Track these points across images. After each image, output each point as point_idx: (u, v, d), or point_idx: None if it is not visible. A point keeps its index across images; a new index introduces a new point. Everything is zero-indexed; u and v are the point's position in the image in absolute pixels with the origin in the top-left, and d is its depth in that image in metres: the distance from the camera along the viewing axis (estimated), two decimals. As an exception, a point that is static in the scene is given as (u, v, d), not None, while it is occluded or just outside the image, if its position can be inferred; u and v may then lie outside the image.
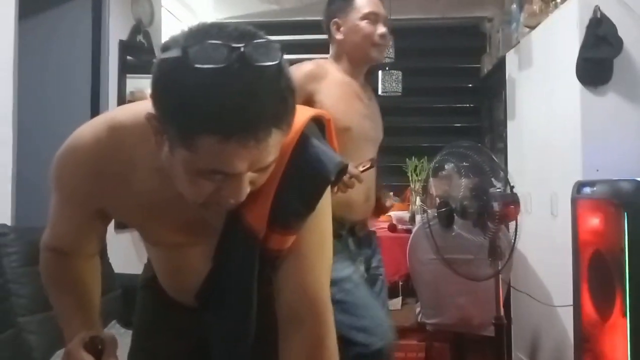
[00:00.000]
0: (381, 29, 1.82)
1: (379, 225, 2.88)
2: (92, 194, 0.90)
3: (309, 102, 1.69)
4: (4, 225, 2.05)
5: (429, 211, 2.31)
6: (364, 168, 1.71)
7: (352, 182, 1.64)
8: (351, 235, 1.82)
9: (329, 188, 0.88)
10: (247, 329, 0.90)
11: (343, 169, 0.89)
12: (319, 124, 0.90)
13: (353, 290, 1.68)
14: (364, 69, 1.91)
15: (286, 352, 0.86)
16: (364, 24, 1.81)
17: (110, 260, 2.45)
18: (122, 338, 2.23)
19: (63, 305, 1.02)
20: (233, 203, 0.76)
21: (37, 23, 2.85)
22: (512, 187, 2.04)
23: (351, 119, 1.75)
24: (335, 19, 1.86)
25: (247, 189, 0.75)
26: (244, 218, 0.83)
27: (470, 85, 4.59)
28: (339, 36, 1.85)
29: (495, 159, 2.11)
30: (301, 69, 1.75)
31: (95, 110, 2.91)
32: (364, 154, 1.78)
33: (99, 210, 0.94)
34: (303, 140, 0.83)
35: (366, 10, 1.81)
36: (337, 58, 1.89)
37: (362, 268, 1.85)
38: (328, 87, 1.75)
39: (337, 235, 1.57)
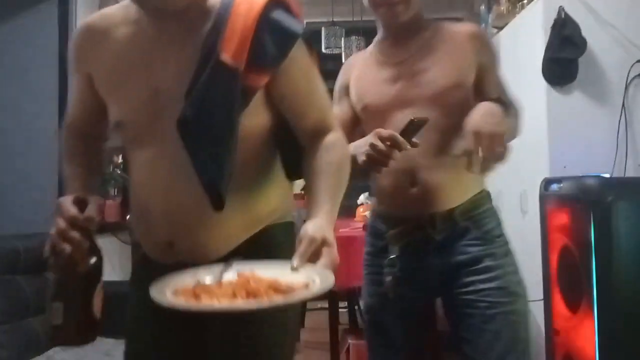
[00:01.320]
0: None
1: (354, 226, 2.88)
2: (82, 59, 1.11)
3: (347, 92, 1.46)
4: (-30, 234, 2.01)
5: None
6: (405, 127, 1.18)
7: (386, 149, 1.17)
8: (397, 241, 1.35)
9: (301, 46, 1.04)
10: (230, 160, 0.99)
11: (308, 38, 1.06)
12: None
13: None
14: (400, 30, 1.43)
15: (319, 153, 1.05)
16: None
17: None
18: (94, 346, 2.21)
19: (68, 174, 1.18)
20: None
21: (1, 29, 2.79)
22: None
23: (365, 94, 1.39)
24: None
25: None
26: (221, 56, 0.97)
27: (441, 85, 4.63)
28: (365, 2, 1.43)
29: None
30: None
31: (63, 114, 2.86)
32: (394, 126, 1.26)
33: (89, 77, 1.11)
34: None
35: None
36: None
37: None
38: (353, 74, 1.46)
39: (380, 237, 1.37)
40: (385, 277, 1.34)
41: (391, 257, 1.34)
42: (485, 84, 1.37)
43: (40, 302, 2.08)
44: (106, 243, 3.11)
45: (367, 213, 3.38)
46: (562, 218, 1.99)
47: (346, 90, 1.46)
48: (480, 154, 1.14)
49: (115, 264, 3.21)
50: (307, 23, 4.96)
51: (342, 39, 4.05)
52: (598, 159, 2.30)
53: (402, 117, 1.26)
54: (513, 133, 1.36)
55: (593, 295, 1.79)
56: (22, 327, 1.96)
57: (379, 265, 1.38)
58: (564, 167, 2.29)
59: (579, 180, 1.93)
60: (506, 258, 1.35)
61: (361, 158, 1.20)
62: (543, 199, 2.10)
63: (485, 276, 1.30)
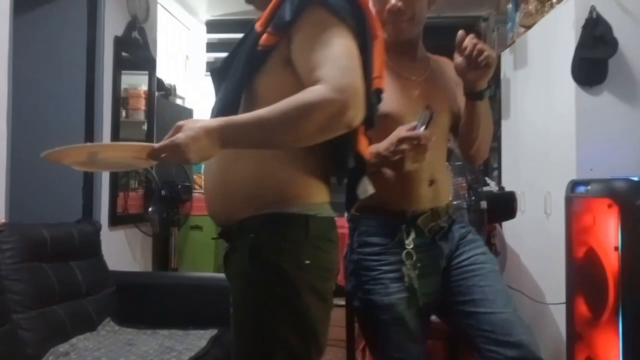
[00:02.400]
0: (390, 3, 1.45)
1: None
2: None
3: None
4: (-1, 221, 2.04)
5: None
6: (425, 120, 1.29)
7: (420, 147, 1.29)
8: (415, 230, 1.44)
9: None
10: (238, 96, 1.14)
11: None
12: None
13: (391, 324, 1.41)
14: (405, 46, 1.54)
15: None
16: (375, 2, 1.48)
17: (105, 258, 2.44)
18: (117, 335, 2.24)
19: None
20: None
21: (32, 19, 2.84)
22: (501, 187, 2.04)
23: (388, 102, 1.37)
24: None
25: None
26: (255, 25, 1.15)
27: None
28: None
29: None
30: None
31: (90, 106, 2.90)
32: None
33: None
34: None
35: None
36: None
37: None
38: None
39: (389, 234, 1.42)
40: (407, 271, 1.42)
41: (408, 249, 1.43)
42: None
43: (65, 290, 2.11)
44: (128, 234, 3.15)
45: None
46: (588, 220, 1.96)
47: None
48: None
49: (137, 254, 3.25)
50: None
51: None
52: (626, 162, 2.26)
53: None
54: None
55: (618, 301, 1.77)
56: (47, 314, 1.98)
57: (393, 262, 1.43)
58: (591, 169, 2.26)
59: (607, 182, 1.90)
60: (476, 233, 1.61)
61: (394, 158, 1.31)
62: (569, 200, 2.07)
63: (475, 245, 1.52)
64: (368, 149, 1.20)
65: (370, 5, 1.45)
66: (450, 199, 1.57)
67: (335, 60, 1.03)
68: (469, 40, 1.39)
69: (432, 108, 1.31)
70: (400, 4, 1.45)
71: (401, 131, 1.30)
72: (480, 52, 1.36)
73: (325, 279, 1.14)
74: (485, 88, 1.43)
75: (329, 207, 1.18)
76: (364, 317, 1.51)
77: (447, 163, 1.62)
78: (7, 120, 2.18)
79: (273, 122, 1.00)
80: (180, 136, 0.99)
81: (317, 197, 1.14)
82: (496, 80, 3.55)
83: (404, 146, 1.28)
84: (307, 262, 1.09)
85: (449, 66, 1.53)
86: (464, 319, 1.43)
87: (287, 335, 1.08)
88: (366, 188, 1.17)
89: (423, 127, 1.29)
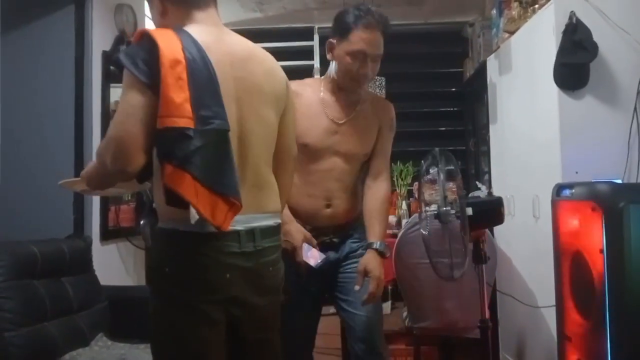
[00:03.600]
0: (364, 68, 1.87)
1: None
2: None
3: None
4: (-12, 240, 2.05)
5: (423, 213, 2.31)
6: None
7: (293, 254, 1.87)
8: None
9: None
10: None
11: None
12: None
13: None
14: (342, 93, 1.97)
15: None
16: (348, 59, 1.85)
17: (96, 273, 2.44)
18: (110, 350, 2.24)
19: None
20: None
21: (21, 34, 2.85)
22: (490, 192, 2.06)
23: (310, 135, 1.89)
24: (332, 39, 1.91)
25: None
26: None
27: (453, 89, 4.64)
28: (328, 56, 1.93)
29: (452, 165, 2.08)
30: None
31: (79, 120, 2.91)
32: (322, 166, 1.93)
33: None
34: None
35: (356, 47, 1.84)
36: (328, 72, 1.98)
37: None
38: (300, 105, 1.79)
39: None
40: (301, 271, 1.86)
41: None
42: (378, 149, 2.02)
43: (57, 306, 2.11)
44: (120, 248, 3.15)
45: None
46: (573, 223, 1.98)
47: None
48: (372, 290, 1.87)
49: (129, 268, 3.25)
50: (318, 29, 5.00)
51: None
52: (610, 164, 2.29)
53: (327, 162, 1.93)
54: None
55: (605, 302, 1.79)
56: (39, 331, 1.99)
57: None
58: (576, 172, 2.28)
59: (590, 185, 1.93)
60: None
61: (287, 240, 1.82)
62: (555, 204, 2.10)
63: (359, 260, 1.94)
64: (177, 182, 1.25)
65: (338, 53, 1.89)
66: (352, 217, 2.00)
67: (115, 117, 1.30)
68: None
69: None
70: (371, 75, 1.92)
71: (298, 251, 1.86)
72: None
73: None
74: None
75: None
76: None
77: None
78: (-4, 138, 2.19)
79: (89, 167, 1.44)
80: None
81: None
82: (483, 85, 3.59)
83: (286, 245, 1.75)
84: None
85: (380, 110, 2.03)
86: (341, 310, 2.00)
87: None
88: (194, 215, 1.27)
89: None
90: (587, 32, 2.29)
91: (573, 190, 1.98)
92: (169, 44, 1.28)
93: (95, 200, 2.94)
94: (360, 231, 2.00)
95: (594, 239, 1.82)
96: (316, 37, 5.02)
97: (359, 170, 2.00)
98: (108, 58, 3.09)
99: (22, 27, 2.89)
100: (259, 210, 1.42)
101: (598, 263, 1.80)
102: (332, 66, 1.94)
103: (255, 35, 5.17)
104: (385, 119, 2.02)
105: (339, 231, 1.98)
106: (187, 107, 1.26)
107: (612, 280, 1.77)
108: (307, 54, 4.81)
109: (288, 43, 4.99)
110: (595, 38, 2.30)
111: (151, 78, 1.25)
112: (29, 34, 2.90)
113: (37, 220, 2.70)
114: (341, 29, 1.86)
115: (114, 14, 3.21)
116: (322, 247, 1.93)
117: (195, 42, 1.33)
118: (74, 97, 2.91)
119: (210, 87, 1.31)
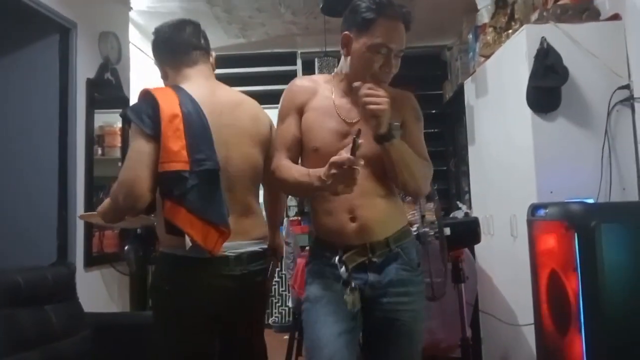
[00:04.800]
0: (387, 65, 1.59)
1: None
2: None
3: (300, 114, 1.65)
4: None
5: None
6: (353, 147, 1.39)
7: (347, 171, 1.39)
8: (351, 263, 1.56)
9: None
10: None
11: None
12: None
13: (309, 308, 1.59)
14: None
15: None
16: (369, 54, 1.57)
17: (80, 300, 2.44)
18: (94, 378, 2.21)
19: (307, 173, 1.51)
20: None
21: (6, 62, 2.88)
22: (467, 213, 2.11)
23: (321, 139, 1.60)
24: (348, 32, 1.62)
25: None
26: None
27: (434, 111, 4.74)
28: (343, 51, 1.66)
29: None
30: (295, 82, 1.72)
31: (63, 147, 2.93)
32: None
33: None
34: None
35: (378, 40, 1.56)
36: (339, 70, 1.71)
37: (351, 296, 1.55)
38: (311, 106, 1.64)
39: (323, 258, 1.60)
40: (347, 298, 1.54)
41: (344, 278, 1.55)
42: (408, 142, 1.61)
43: (40, 335, 2.11)
44: (105, 274, 3.15)
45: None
46: (549, 242, 2.04)
47: (299, 110, 1.65)
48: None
49: (114, 294, 3.24)
50: (301, 53, 5.09)
51: (335, 68, 4.14)
52: (584, 184, 2.36)
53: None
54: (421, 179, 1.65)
55: (580, 318, 1.83)
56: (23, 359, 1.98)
57: (333, 279, 1.58)
58: (551, 192, 2.35)
59: (564, 205, 1.99)
60: (421, 273, 1.67)
61: (328, 182, 1.43)
62: (530, 223, 2.15)
63: (406, 299, 1.59)
64: (175, 215, 1.56)
65: (356, 48, 1.60)
66: (396, 231, 1.62)
67: (125, 162, 1.59)
68: (362, 91, 1.49)
69: (359, 135, 1.38)
70: (395, 70, 1.62)
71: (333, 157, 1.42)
72: (364, 103, 1.48)
73: None
74: (383, 132, 1.49)
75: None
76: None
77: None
78: (-20, 166, 2.20)
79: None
80: None
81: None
82: (462, 107, 3.67)
83: (334, 171, 1.39)
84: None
85: (400, 103, 1.64)
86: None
87: None
88: (188, 242, 1.55)
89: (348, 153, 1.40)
90: (558, 57, 2.38)
91: (547, 210, 2.04)
92: (167, 101, 1.59)
93: (80, 226, 2.95)
94: (410, 252, 1.62)
95: (568, 257, 1.88)
96: (299, 61, 5.11)
97: (384, 174, 1.60)
98: (92, 85, 3.13)
99: (7, 55, 2.93)
100: (246, 238, 1.69)
101: (573, 281, 1.85)
102: (344, 62, 1.66)
103: (238, 60, 5.23)
104: (408, 110, 1.68)
105: (379, 249, 1.58)
106: (184, 153, 1.56)
107: (586, 297, 1.82)
108: (291, 77, 4.88)
109: (271, 68, 5.06)
110: (566, 62, 2.39)
111: (154, 130, 1.56)
112: (15, 62, 2.94)
113: (21, 248, 2.70)
114: (360, 20, 1.58)
115: (98, 41, 3.25)
116: (360, 270, 1.57)
117: (190, 97, 1.63)
118: (58, 124, 2.94)
119: (204, 134, 1.60)
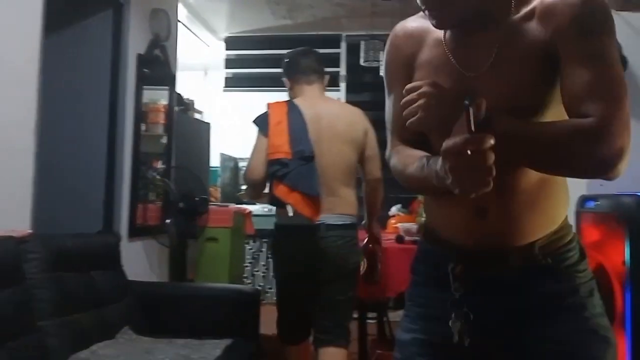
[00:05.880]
0: None
1: (386, 237, 2.92)
2: None
3: (409, 76, 1.09)
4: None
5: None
6: (467, 118, 0.82)
7: (471, 159, 0.81)
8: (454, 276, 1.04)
9: None
10: None
11: None
12: None
13: None
14: (452, 34, 1.07)
15: None
16: None
17: (124, 269, 2.52)
18: (135, 343, 2.31)
19: (410, 173, 1.04)
20: None
21: (61, 37, 2.96)
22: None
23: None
24: None
25: None
26: None
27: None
28: None
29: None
30: (396, 33, 1.16)
31: (113, 121, 3.01)
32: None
33: None
34: None
35: None
36: None
37: (453, 327, 1.02)
38: (421, 61, 1.10)
39: (434, 266, 1.08)
40: (451, 321, 1.03)
41: (456, 296, 1.03)
42: (568, 84, 0.94)
43: (87, 299, 2.19)
44: (146, 245, 3.23)
45: (400, 225, 3.43)
46: (596, 235, 1.99)
47: (408, 71, 1.11)
48: None
49: (154, 265, 3.33)
50: (346, 36, 5.05)
51: (381, 52, 4.11)
52: (636, 177, 2.28)
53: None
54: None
55: (627, 316, 1.79)
56: (70, 321, 2.05)
57: (431, 298, 1.09)
58: (601, 184, 2.28)
59: (615, 197, 1.93)
60: (592, 298, 1.02)
61: (448, 180, 0.86)
62: (579, 215, 2.10)
63: (566, 316, 1.00)
64: (278, 190, 2.23)
65: None
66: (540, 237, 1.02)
67: (250, 154, 2.36)
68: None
69: (473, 100, 0.84)
70: None
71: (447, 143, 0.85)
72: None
73: None
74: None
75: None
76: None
77: None
78: (34, 134, 2.27)
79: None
80: None
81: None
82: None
83: (449, 164, 0.84)
84: None
85: (544, 17, 0.96)
86: None
87: None
88: (289, 210, 2.21)
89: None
90: (617, 46, 2.29)
91: (597, 202, 1.99)
92: (276, 111, 2.30)
93: (125, 198, 3.03)
94: (567, 258, 1.03)
95: (617, 250, 1.83)
96: (343, 44, 5.09)
97: None
98: (142, 61, 3.19)
99: (62, 30, 3.01)
100: (332, 212, 2.24)
101: (620, 274, 1.81)
102: None
103: (282, 41, 5.29)
104: (559, 20, 0.94)
105: (515, 258, 1.01)
106: (286, 147, 2.21)
107: (634, 291, 1.77)
108: (334, 61, 4.88)
109: (317, 50, 5.06)
110: (626, 51, 2.30)
111: (265, 131, 2.29)
112: (69, 37, 3.02)
113: (70, 216, 2.80)
114: None
115: (149, 18, 3.31)
116: (483, 288, 1.02)
117: (297, 108, 2.29)
118: (108, 98, 3.01)
119: (302, 133, 2.23)
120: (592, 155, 0.91)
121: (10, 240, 1.90)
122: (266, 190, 2.34)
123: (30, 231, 2.13)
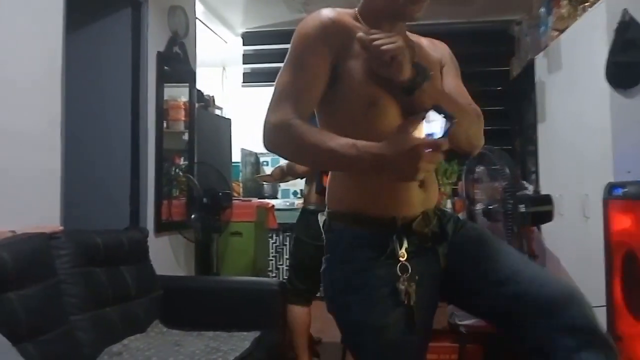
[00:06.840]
0: None
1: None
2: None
3: (334, 60, 1.23)
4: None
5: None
6: (445, 129, 1.07)
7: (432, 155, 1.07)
8: (407, 238, 1.22)
9: None
10: None
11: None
12: None
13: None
14: (400, 18, 1.29)
15: None
16: None
17: (152, 263, 2.56)
18: (165, 336, 2.34)
19: (340, 142, 1.13)
20: None
21: (82, 35, 3.00)
22: (537, 190, 2.05)
23: (376, 91, 1.22)
24: None
25: None
26: None
27: (499, 88, 4.60)
28: None
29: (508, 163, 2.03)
30: (328, 15, 1.26)
31: (135, 118, 3.04)
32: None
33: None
34: None
35: None
36: (362, 10, 1.32)
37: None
38: (356, 51, 1.21)
39: (378, 245, 1.21)
40: (402, 286, 1.19)
41: (402, 262, 1.20)
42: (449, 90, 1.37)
43: (117, 293, 2.23)
44: (172, 240, 3.28)
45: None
46: (625, 222, 1.96)
47: (331, 56, 1.23)
48: None
49: (180, 260, 3.37)
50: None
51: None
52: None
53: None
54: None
55: (658, 301, 1.77)
56: (101, 315, 2.10)
57: (384, 276, 1.20)
58: (628, 172, 2.25)
59: (644, 184, 1.91)
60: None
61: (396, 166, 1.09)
62: (607, 203, 2.08)
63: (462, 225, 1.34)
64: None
65: None
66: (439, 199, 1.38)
67: None
68: (365, 37, 1.16)
69: (452, 117, 1.07)
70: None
71: (414, 141, 1.07)
72: (373, 49, 1.14)
73: None
74: (409, 77, 1.16)
75: None
76: (354, 343, 1.28)
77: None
78: (61, 132, 2.31)
79: None
80: None
81: None
82: (531, 84, 3.55)
83: (415, 156, 1.05)
84: None
85: (437, 48, 1.40)
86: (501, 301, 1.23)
87: None
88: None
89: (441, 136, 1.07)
90: (641, 30, 2.26)
91: (626, 189, 1.96)
92: None
93: (150, 194, 3.07)
94: (445, 209, 1.40)
95: (647, 237, 1.81)
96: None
97: None
98: (162, 58, 3.22)
99: (82, 28, 3.04)
100: None
101: (651, 262, 1.79)
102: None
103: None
104: (445, 54, 1.40)
105: (434, 217, 1.29)
106: None
107: (666, 279, 1.75)
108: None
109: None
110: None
111: None
112: (89, 36, 3.05)
113: (97, 212, 2.84)
114: None
115: (167, 15, 3.33)
116: (420, 252, 1.23)
117: None
118: (130, 96, 3.04)
119: None
120: (480, 129, 1.41)
121: (41, 236, 1.93)
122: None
123: (60, 227, 2.17)
